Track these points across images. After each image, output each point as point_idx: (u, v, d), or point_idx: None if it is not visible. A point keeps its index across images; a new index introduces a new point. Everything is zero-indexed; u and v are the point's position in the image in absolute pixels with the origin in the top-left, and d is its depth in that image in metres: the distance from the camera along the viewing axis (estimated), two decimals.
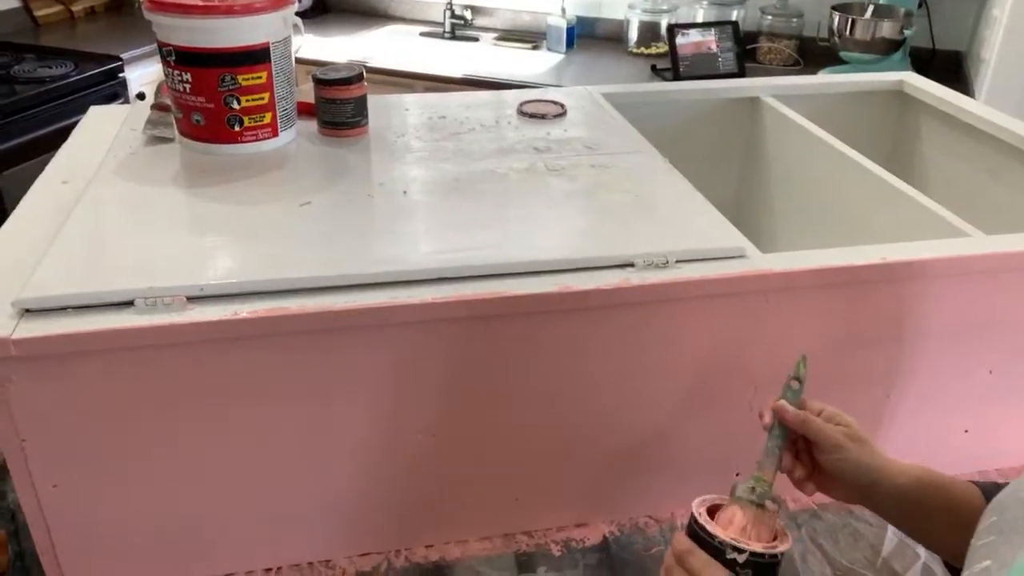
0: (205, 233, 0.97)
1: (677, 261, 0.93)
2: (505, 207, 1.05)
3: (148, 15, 1.11)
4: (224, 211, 1.02)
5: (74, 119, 2.73)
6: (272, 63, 1.15)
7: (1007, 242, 1.02)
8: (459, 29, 3.22)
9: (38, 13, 3.19)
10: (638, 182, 1.12)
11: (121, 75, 2.84)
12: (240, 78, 1.13)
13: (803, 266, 0.94)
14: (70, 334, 0.80)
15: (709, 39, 2.73)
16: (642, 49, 2.97)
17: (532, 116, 1.34)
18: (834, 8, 2.64)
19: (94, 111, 1.35)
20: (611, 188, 1.10)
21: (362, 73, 1.24)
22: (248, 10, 1.10)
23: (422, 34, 3.21)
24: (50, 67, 2.74)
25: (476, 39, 3.18)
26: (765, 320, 0.96)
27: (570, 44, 3.03)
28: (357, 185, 1.10)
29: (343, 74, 1.23)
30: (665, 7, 2.96)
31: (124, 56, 2.82)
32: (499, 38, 3.17)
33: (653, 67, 2.81)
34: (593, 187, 1.11)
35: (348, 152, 1.21)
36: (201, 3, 1.09)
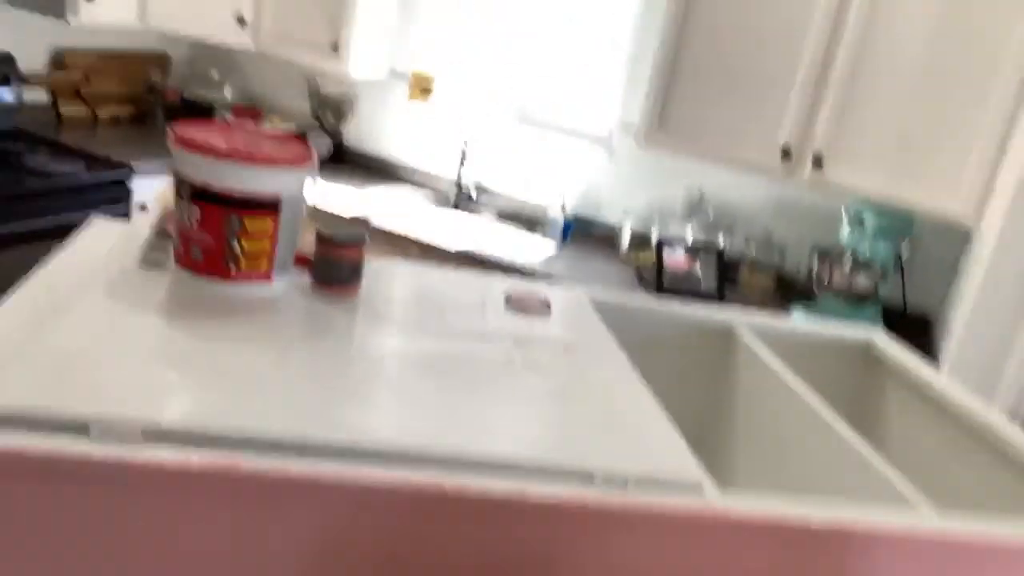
0: (173, 368, 0.97)
1: (635, 483, 0.93)
2: (475, 394, 1.07)
3: (173, 149, 1.15)
4: (199, 347, 1.03)
5: (73, 215, 2.83)
6: (280, 213, 1.19)
7: (957, 522, 1.03)
8: (463, 203, 3.35)
9: (63, 110, 3.30)
10: (609, 394, 1.14)
11: (127, 184, 2.90)
12: (247, 221, 1.16)
13: (756, 511, 0.94)
14: (19, 452, 0.78)
15: (693, 259, 2.85)
16: (632, 256, 3.09)
17: (517, 307, 1.38)
18: (817, 252, 2.77)
19: (97, 221, 1.38)
20: (582, 395, 1.12)
21: (365, 237, 1.28)
22: (267, 161, 1.15)
23: (428, 200, 3.34)
24: (61, 163, 2.81)
25: (479, 212, 3.30)
26: (715, 557, 0.95)
27: (565, 238, 3.15)
28: (338, 346, 1.11)
29: (346, 236, 1.26)
30: (657, 220, 3.11)
31: (135, 165, 2.90)
32: (499, 216, 3.30)
33: (639, 274, 2.91)
34: (564, 391, 1.12)
35: (335, 311, 1.23)
36: (225, 147, 1.14)
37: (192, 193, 1.16)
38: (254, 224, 1.17)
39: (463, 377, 1.10)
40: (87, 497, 0.82)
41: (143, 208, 2.98)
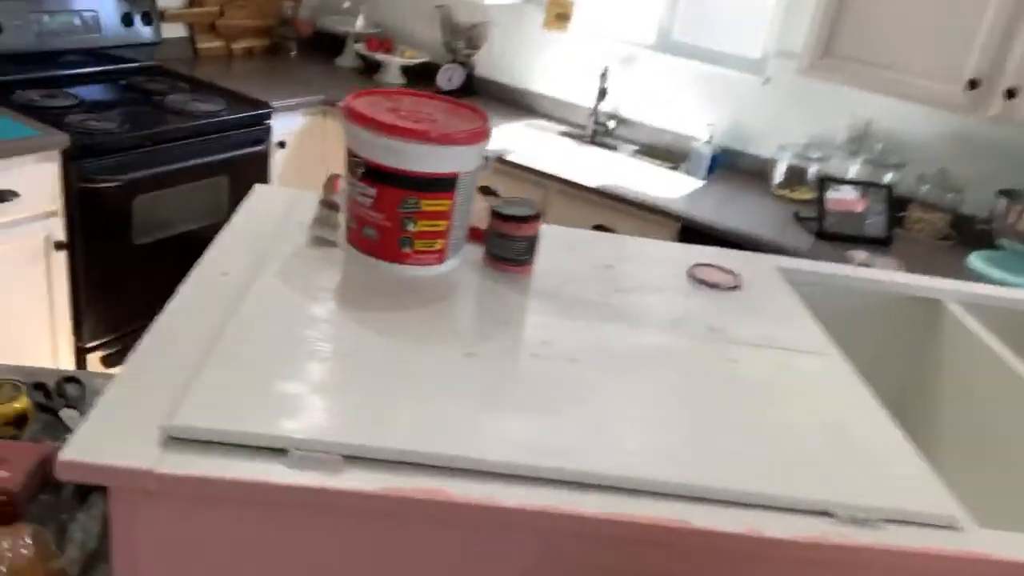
0: (364, 378, 0.90)
1: (882, 520, 0.81)
2: (682, 404, 0.96)
3: (345, 125, 1.07)
4: (386, 348, 0.96)
5: (214, 157, 2.83)
6: (456, 192, 1.09)
7: None
8: (600, 136, 3.19)
9: (200, 45, 3.29)
10: (823, 398, 1.02)
11: (267, 122, 2.88)
12: (423, 203, 1.07)
13: None
14: (219, 479, 0.73)
15: (859, 199, 2.62)
16: (785, 192, 2.88)
17: (704, 283, 1.26)
18: (1001, 192, 2.51)
19: (259, 191, 1.32)
20: (793, 401, 1.00)
21: (540, 213, 1.18)
22: (446, 140, 1.05)
23: (562, 133, 3.19)
24: (202, 101, 2.80)
25: (615, 148, 3.14)
26: None
27: (711, 172, 2.96)
28: (522, 339, 1.02)
29: (521, 211, 1.16)
30: (817, 155, 2.87)
31: (273, 104, 2.87)
32: (638, 151, 3.12)
33: (796, 215, 2.71)
34: (773, 395, 1.01)
35: (511, 292, 1.14)
36: (401, 124, 1.04)
37: (366, 171, 1.07)
38: (431, 205, 1.08)
39: (665, 380, 1.00)
40: (286, 523, 0.77)
41: (281, 145, 2.96)
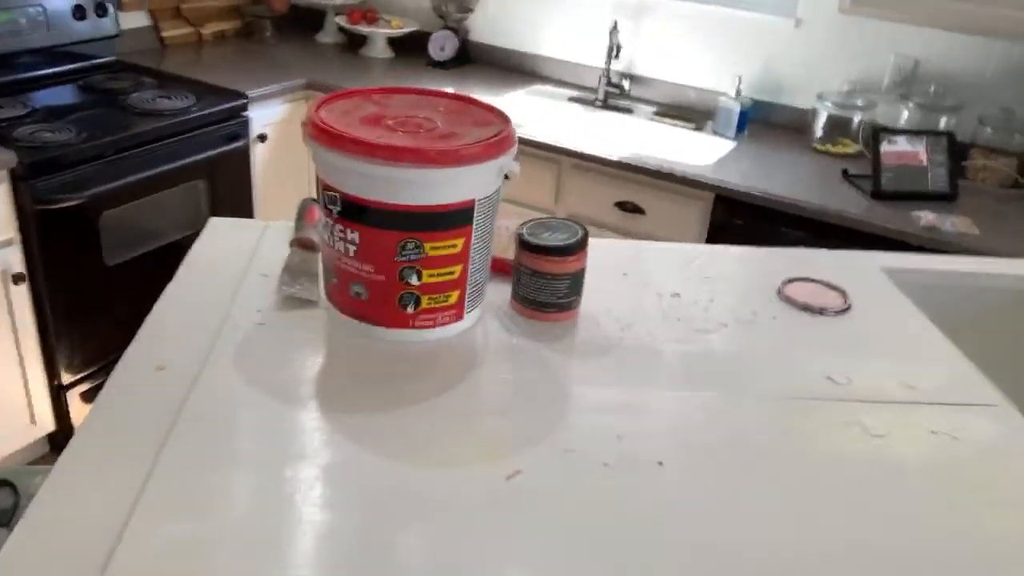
0: (357, 520, 0.62)
1: None
2: (830, 522, 0.68)
3: (311, 145, 0.78)
4: (390, 474, 0.67)
5: (188, 159, 2.53)
6: (473, 227, 0.80)
7: None
8: (613, 98, 2.87)
9: (165, 33, 2.98)
10: (1019, 483, 0.73)
11: (244, 114, 2.58)
12: (428, 247, 0.78)
13: None
14: None
15: (919, 150, 2.31)
16: (827, 147, 2.57)
17: (805, 308, 0.97)
18: None
19: (213, 227, 1.03)
20: (981, 495, 0.71)
21: (586, 236, 0.89)
22: (454, 158, 0.75)
23: (571, 99, 2.88)
24: (170, 97, 2.50)
25: (631, 111, 2.82)
26: None
27: (740, 130, 2.65)
28: (584, 434, 0.74)
29: (562, 240, 0.87)
30: (860, 103, 2.55)
31: (250, 94, 2.56)
32: (657, 113, 2.80)
33: (844, 172, 2.40)
34: (952, 485, 0.72)
35: (555, 354, 0.85)
36: (387, 141, 0.75)
37: (345, 208, 0.78)
38: (440, 248, 0.79)
39: (800, 488, 0.71)
40: None
41: (262, 139, 2.67)
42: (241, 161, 2.63)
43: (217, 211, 2.59)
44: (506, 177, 0.82)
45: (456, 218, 0.78)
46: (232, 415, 0.71)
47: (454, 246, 0.79)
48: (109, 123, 2.28)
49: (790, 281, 1.02)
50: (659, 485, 0.68)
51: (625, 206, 2.36)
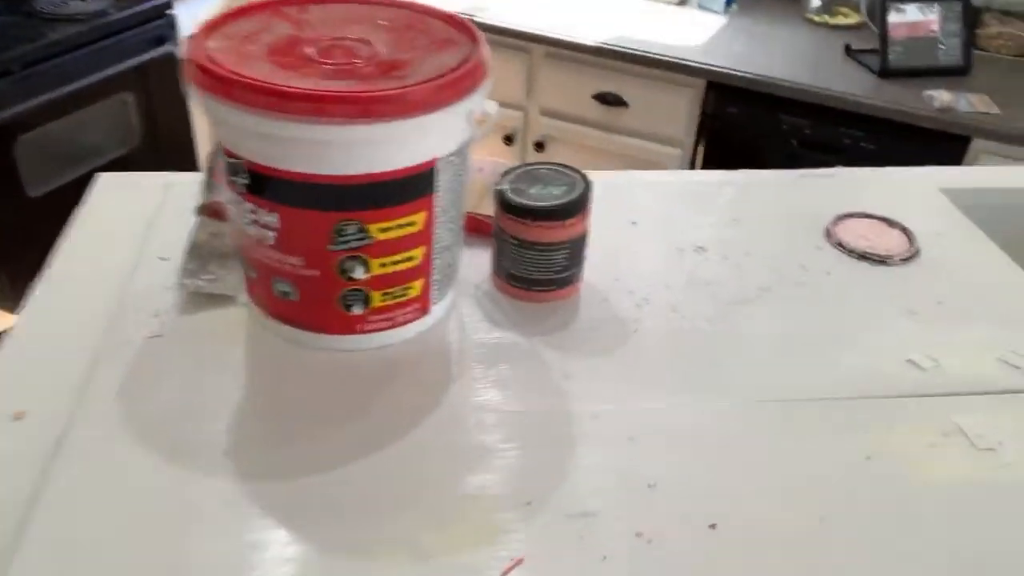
0: None
1: None
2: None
3: (199, 97, 0.53)
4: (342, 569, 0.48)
5: (109, 70, 2.22)
6: (436, 195, 0.57)
7: None
8: None
9: None
10: None
11: (170, 12, 2.26)
12: (374, 229, 0.56)
13: None
14: None
15: (930, 18, 2.06)
16: (825, 18, 2.31)
17: (864, 257, 0.76)
18: None
19: (100, 187, 0.79)
20: None
21: (588, 189, 0.66)
22: (404, 106, 0.52)
23: None
24: None
25: None
26: None
27: (729, 2, 2.37)
28: (605, 487, 0.54)
29: (556, 201, 0.65)
30: None
31: None
32: None
33: (847, 47, 2.15)
34: None
35: (555, 352, 0.65)
36: (306, 89, 0.51)
37: (255, 184, 0.55)
38: (391, 229, 0.56)
39: (885, 530, 0.53)
40: None
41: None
42: (173, 68, 2.33)
43: (151, 128, 2.31)
44: (482, 119, 0.59)
45: (411, 187, 0.56)
46: (109, 492, 0.50)
47: (412, 224, 0.57)
48: (14, 34, 1.97)
49: (842, 218, 0.80)
50: (712, 558, 0.49)
51: (606, 98, 2.11)
